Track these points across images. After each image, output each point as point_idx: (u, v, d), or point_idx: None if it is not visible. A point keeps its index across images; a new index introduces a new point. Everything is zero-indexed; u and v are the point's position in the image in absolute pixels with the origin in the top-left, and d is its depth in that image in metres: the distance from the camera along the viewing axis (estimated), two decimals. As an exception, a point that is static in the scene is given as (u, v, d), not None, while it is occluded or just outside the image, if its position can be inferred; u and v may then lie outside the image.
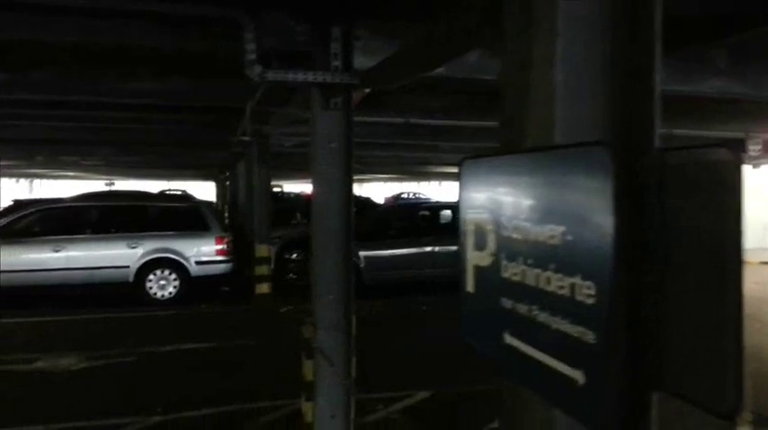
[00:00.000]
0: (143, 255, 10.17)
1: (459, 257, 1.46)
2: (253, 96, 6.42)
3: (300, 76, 3.92)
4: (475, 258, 1.39)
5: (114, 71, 6.09)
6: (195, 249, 10.42)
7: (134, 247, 10.15)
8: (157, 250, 10.25)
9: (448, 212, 12.80)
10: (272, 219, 11.26)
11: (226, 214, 19.05)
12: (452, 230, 11.90)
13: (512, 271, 1.22)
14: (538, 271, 1.12)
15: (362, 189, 32.19)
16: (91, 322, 8.90)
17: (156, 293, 10.26)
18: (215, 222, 10.96)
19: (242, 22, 3.82)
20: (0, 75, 5.89)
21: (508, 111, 1.41)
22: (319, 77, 3.93)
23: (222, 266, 10.57)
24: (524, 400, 1.26)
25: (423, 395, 5.84)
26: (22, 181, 32.17)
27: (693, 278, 0.99)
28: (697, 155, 1.01)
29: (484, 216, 1.34)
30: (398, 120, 8.31)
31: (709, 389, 0.95)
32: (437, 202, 15.07)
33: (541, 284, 1.11)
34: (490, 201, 1.32)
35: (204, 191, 26.86)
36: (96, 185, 25.23)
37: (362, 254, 10.69)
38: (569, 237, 1.03)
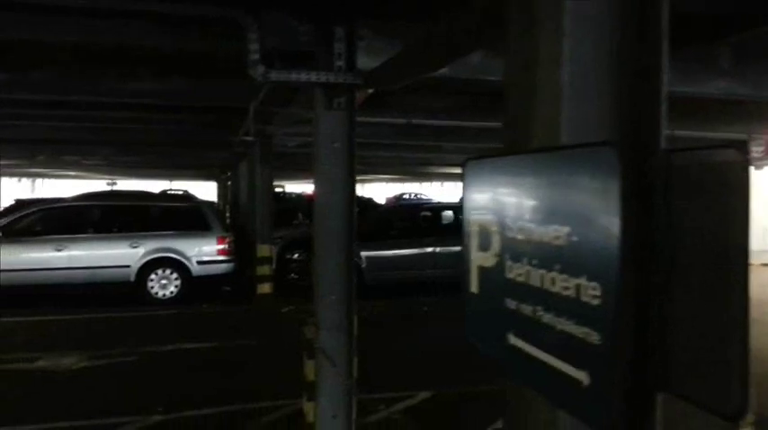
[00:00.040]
0: (144, 255, 10.17)
1: (462, 258, 1.46)
2: (256, 96, 6.42)
3: (303, 76, 3.92)
4: (479, 259, 1.39)
5: (114, 71, 6.10)
6: (197, 249, 10.42)
7: (136, 247, 10.15)
8: (159, 250, 10.26)
9: (449, 213, 12.80)
10: (274, 220, 11.27)
11: (227, 214, 19.05)
12: (454, 231, 11.93)
13: (516, 271, 1.22)
14: (543, 271, 1.12)
15: (364, 189, 32.20)
16: (92, 321, 8.90)
17: (157, 293, 10.26)
18: (216, 222, 10.97)
19: (244, 22, 3.82)
20: (0, 75, 5.89)
21: (512, 111, 1.41)
22: (322, 77, 3.93)
23: (224, 266, 10.58)
24: (528, 401, 1.25)
25: (424, 395, 5.83)
26: (24, 180, 32.24)
27: (699, 279, 0.99)
28: (704, 156, 1.01)
29: (488, 216, 1.34)
30: (401, 120, 8.32)
31: (715, 390, 0.95)
32: (439, 203, 15.06)
33: (546, 285, 1.10)
34: (494, 201, 1.32)
35: (206, 191, 26.89)
36: (98, 185, 25.27)
37: (364, 254, 10.69)
38: (575, 238, 1.03)
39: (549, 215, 1.10)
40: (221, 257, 10.51)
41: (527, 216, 1.18)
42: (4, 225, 10.20)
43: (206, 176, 25.93)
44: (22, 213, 10.59)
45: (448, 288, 9.49)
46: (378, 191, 32.61)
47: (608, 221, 0.95)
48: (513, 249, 1.23)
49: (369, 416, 5.11)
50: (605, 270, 0.95)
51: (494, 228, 1.30)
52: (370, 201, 20.47)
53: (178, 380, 6.33)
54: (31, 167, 21.74)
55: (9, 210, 12.74)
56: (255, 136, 9.00)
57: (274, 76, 3.91)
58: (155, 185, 25.12)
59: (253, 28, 3.83)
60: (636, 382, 1.00)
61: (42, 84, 6.25)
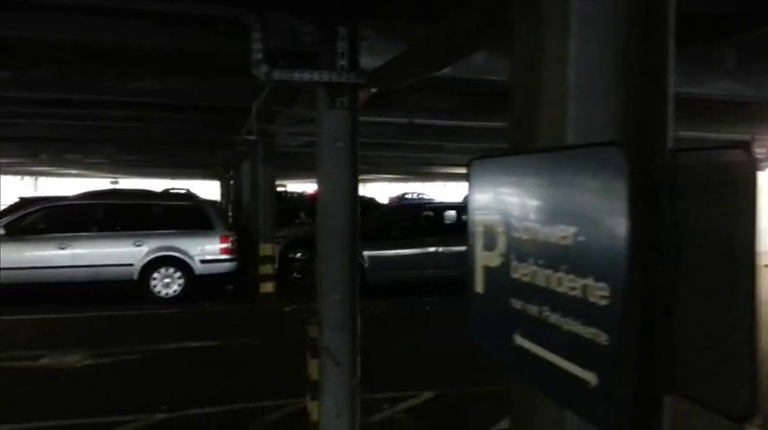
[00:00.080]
0: (148, 253, 10.19)
1: (467, 257, 1.45)
2: (259, 95, 6.43)
3: (306, 76, 3.92)
4: (484, 258, 1.39)
5: (115, 70, 6.11)
6: (200, 248, 10.44)
7: (139, 245, 10.17)
8: (162, 248, 10.28)
9: (452, 213, 12.80)
10: (277, 219, 11.28)
11: (230, 213, 19.07)
12: (456, 231, 11.96)
13: (522, 271, 1.22)
14: (549, 272, 1.12)
15: (366, 189, 32.18)
16: (96, 319, 8.92)
17: (160, 291, 10.28)
18: (219, 221, 10.99)
19: (247, 21, 3.83)
20: (1, 73, 5.90)
21: (518, 111, 1.41)
22: (325, 77, 3.92)
23: (226, 265, 10.59)
24: (535, 401, 1.25)
25: (427, 395, 5.83)
26: (27, 178, 32.29)
27: (705, 280, 0.99)
28: (710, 156, 1.01)
29: (493, 216, 1.34)
30: (404, 120, 8.31)
31: (722, 391, 0.95)
32: (441, 203, 15.06)
33: (553, 285, 1.10)
34: (500, 201, 1.32)
35: (208, 190, 26.90)
36: (100, 184, 25.31)
37: (367, 254, 10.70)
38: (582, 238, 1.03)
39: (555, 215, 1.10)
40: (224, 256, 10.53)
41: (533, 216, 1.17)
42: (8, 223, 10.23)
43: (209, 175, 25.95)
44: (26, 211, 10.62)
45: (450, 288, 9.49)
46: (380, 190, 32.61)
47: (615, 222, 0.95)
48: (519, 249, 1.23)
49: (372, 416, 5.11)
50: (613, 270, 0.95)
51: (499, 228, 1.30)
52: (372, 200, 20.46)
53: (181, 379, 6.34)
54: (33, 166, 21.78)
55: (13, 208, 12.77)
56: (258, 135, 9.02)
57: (277, 75, 3.91)
58: (157, 184, 25.15)
59: (256, 27, 3.83)
60: (643, 383, 1.00)
61: (43, 82, 6.26)
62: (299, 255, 11.68)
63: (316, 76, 3.91)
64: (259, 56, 3.82)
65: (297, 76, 3.92)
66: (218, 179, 25.50)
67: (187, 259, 10.34)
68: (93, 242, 10.11)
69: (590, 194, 1.02)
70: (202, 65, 5.96)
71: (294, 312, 8.77)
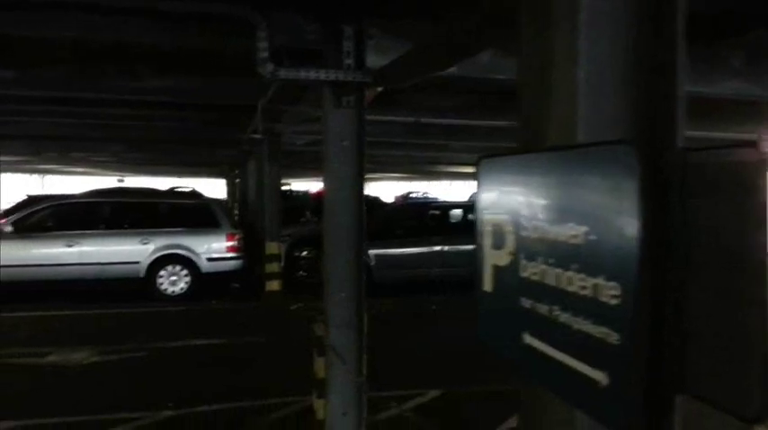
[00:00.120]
0: (154, 251, 10.22)
1: (475, 255, 1.45)
2: (265, 94, 6.43)
3: (312, 75, 3.92)
4: (492, 257, 1.39)
5: (118, 69, 6.11)
6: (206, 246, 10.47)
7: (146, 243, 10.20)
8: (168, 246, 10.30)
9: (458, 212, 12.79)
10: (282, 217, 11.29)
11: (235, 211, 19.11)
12: (462, 230, 11.93)
13: (531, 270, 1.22)
14: (559, 271, 1.12)
15: (370, 188, 32.15)
16: (103, 317, 8.95)
17: (166, 289, 10.31)
18: (225, 219, 11.02)
19: (254, 20, 3.83)
20: (5, 72, 5.92)
21: (526, 111, 1.41)
22: (331, 76, 3.93)
23: (233, 263, 10.62)
24: (544, 401, 1.25)
25: (434, 394, 5.83)
26: (34, 176, 32.44)
27: (715, 278, 0.99)
28: (720, 155, 1.00)
29: (502, 214, 1.33)
30: (410, 119, 8.30)
31: (734, 391, 0.94)
32: (447, 202, 15.05)
33: (563, 284, 1.10)
34: (509, 199, 1.31)
35: (214, 188, 26.96)
36: (107, 182, 25.40)
37: (372, 252, 10.70)
38: (592, 237, 1.03)
39: (565, 214, 1.10)
40: (230, 254, 10.56)
41: (543, 214, 1.17)
42: (16, 220, 10.28)
43: (214, 174, 26.01)
44: (34, 209, 10.67)
45: (456, 286, 9.49)
46: (384, 189, 32.58)
47: (626, 220, 0.95)
48: (528, 248, 1.23)
49: (379, 414, 5.11)
50: (624, 270, 0.95)
51: (508, 227, 1.30)
52: (376, 199, 20.46)
53: (188, 376, 6.36)
54: (40, 164, 21.88)
55: (20, 206, 12.83)
56: (264, 134, 9.01)
57: (283, 74, 3.92)
58: (163, 183, 25.22)
59: (261, 26, 3.83)
60: (654, 382, 0.99)
61: (44, 81, 6.27)
62: (304, 253, 11.71)
63: (322, 75, 3.92)
64: (265, 54, 3.83)
65: (303, 74, 3.93)
66: (223, 177, 25.56)
67: (193, 257, 10.37)
68: (101, 240, 10.15)
69: (600, 193, 1.02)
70: (209, 63, 5.96)
71: (300, 310, 8.78)
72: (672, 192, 1.03)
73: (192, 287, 10.35)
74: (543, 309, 1.17)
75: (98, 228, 10.30)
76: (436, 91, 6.64)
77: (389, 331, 7.27)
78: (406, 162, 19.35)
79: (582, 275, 1.05)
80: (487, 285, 1.42)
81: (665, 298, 1.02)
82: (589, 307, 1.03)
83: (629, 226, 0.95)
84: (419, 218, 12.72)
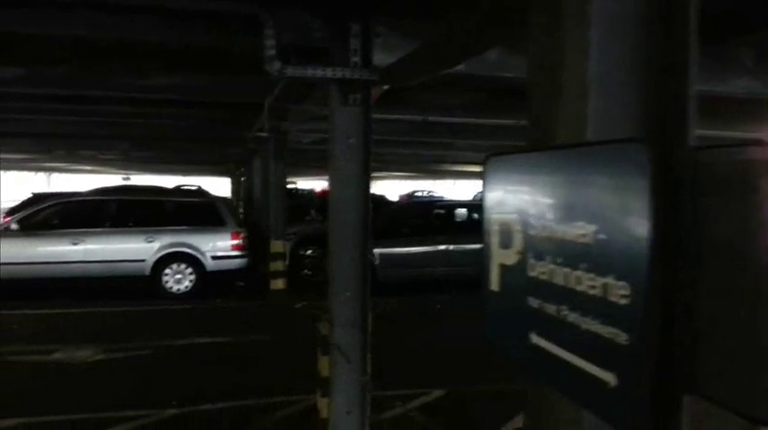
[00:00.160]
0: (160, 249, 10.24)
1: (483, 254, 1.44)
2: (271, 92, 6.43)
3: (319, 72, 3.92)
4: (500, 256, 1.37)
5: (126, 66, 6.12)
6: (211, 244, 10.49)
7: (151, 241, 10.23)
8: (174, 244, 10.32)
9: (463, 211, 12.77)
10: (287, 216, 11.30)
11: (241, 210, 19.13)
12: (467, 229, 11.88)
13: (539, 269, 1.20)
14: (567, 270, 1.10)
15: (375, 186, 32.11)
16: (108, 315, 8.97)
17: (171, 287, 10.33)
18: (230, 218, 11.03)
19: (261, 17, 3.83)
20: (12, 69, 5.94)
21: (536, 109, 1.40)
22: (338, 73, 3.92)
23: (238, 261, 10.63)
24: (551, 401, 1.24)
25: (438, 393, 5.82)
26: (40, 174, 32.57)
27: (726, 278, 0.97)
28: (731, 153, 0.99)
29: (510, 212, 1.32)
30: (417, 117, 8.29)
31: (746, 392, 0.93)
32: (452, 201, 15.03)
33: (571, 284, 1.09)
34: (517, 198, 1.30)
35: (219, 186, 27.00)
36: (112, 180, 25.47)
37: (377, 251, 10.69)
38: (602, 236, 1.01)
39: (574, 212, 1.09)
40: (235, 253, 10.57)
41: (551, 213, 1.16)
42: (21, 218, 10.32)
43: (220, 172, 26.05)
44: (39, 207, 10.70)
45: (461, 286, 9.47)
46: (389, 188, 32.58)
47: (637, 219, 0.94)
48: (536, 247, 1.22)
49: (383, 413, 5.11)
50: (634, 269, 0.94)
51: (516, 225, 1.29)
52: (382, 198, 20.46)
53: (192, 375, 6.37)
54: (46, 161, 21.97)
55: (26, 204, 12.89)
56: (270, 132, 9.02)
57: (290, 71, 3.91)
58: (168, 181, 25.27)
59: (269, 24, 3.83)
60: (663, 383, 0.98)
61: (53, 79, 6.28)
62: (309, 252, 11.71)
63: (328, 73, 3.91)
64: (272, 52, 3.82)
65: (309, 72, 3.92)
66: (229, 176, 25.59)
67: (198, 255, 10.38)
68: (106, 238, 10.18)
69: (611, 191, 1.01)
70: (215, 61, 5.97)
71: (304, 309, 8.78)
72: (683, 191, 1.02)
73: (196, 285, 10.37)
74: (551, 308, 1.16)
75: (103, 226, 10.33)
76: (444, 89, 6.63)
77: (394, 330, 7.26)
78: (413, 161, 19.34)
79: (591, 275, 1.03)
80: (494, 284, 1.41)
81: (676, 297, 1.01)
82: (598, 307, 1.02)
83: (640, 225, 0.93)
84: (424, 217, 12.71)
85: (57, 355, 6.82)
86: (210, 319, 9.04)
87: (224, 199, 13.80)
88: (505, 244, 1.34)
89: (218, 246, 10.51)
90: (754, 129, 7.56)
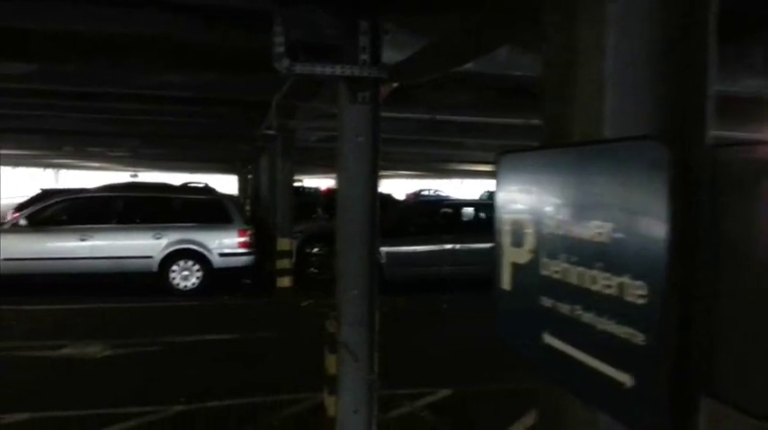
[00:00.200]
0: (167, 246, 10.27)
1: (494, 253, 1.43)
2: (279, 90, 6.43)
3: (328, 70, 3.90)
4: (512, 255, 1.36)
5: (137, 63, 6.13)
6: (218, 241, 10.51)
7: (158, 238, 10.26)
8: (181, 241, 10.35)
9: (470, 210, 12.74)
10: (294, 214, 11.30)
11: (248, 207, 19.16)
12: (474, 228, 11.84)
13: (553, 268, 1.19)
14: (582, 269, 1.09)
15: (382, 185, 32.03)
16: (116, 311, 9.01)
17: (179, 284, 10.36)
18: (238, 215, 11.04)
19: (270, 14, 3.82)
20: (24, 66, 5.95)
21: (550, 106, 1.38)
22: (347, 71, 3.91)
23: (244, 259, 10.65)
24: (565, 401, 1.23)
25: (445, 392, 5.81)
26: (48, 170, 32.74)
27: (744, 278, 0.96)
28: (749, 152, 0.98)
29: (523, 211, 1.31)
30: (425, 116, 8.26)
31: (763, 395, 0.92)
32: (459, 200, 15.00)
33: (586, 283, 1.08)
34: (530, 195, 1.29)
35: (226, 184, 27.04)
36: (121, 177, 25.56)
37: (384, 250, 10.67)
38: (618, 235, 1.00)
39: (590, 211, 1.07)
40: (242, 250, 10.59)
41: (566, 211, 1.15)
42: (30, 214, 10.36)
43: (227, 170, 26.08)
44: (47, 203, 10.75)
45: (467, 285, 9.45)
46: (396, 187, 32.55)
47: (655, 218, 0.92)
48: (550, 245, 1.20)
49: (390, 412, 5.10)
50: (651, 268, 0.92)
51: (528, 223, 1.28)
52: (389, 196, 20.44)
53: (200, 371, 6.38)
54: (55, 158, 22.07)
55: (34, 200, 12.95)
56: (278, 130, 9.02)
57: (299, 68, 3.90)
58: (176, 178, 25.33)
59: (278, 21, 3.82)
60: (680, 384, 0.97)
61: (61, 76, 6.30)
62: (315, 249, 11.73)
63: (337, 70, 3.90)
64: (281, 49, 3.81)
65: (318, 69, 3.91)
66: (236, 174, 25.63)
67: (205, 252, 10.41)
68: (114, 234, 10.21)
69: (627, 190, 0.99)
70: (224, 58, 5.97)
71: (311, 307, 8.79)
72: (701, 190, 1.01)
73: (203, 282, 10.40)
74: (565, 308, 1.15)
75: (111, 223, 10.36)
76: (453, 87, 6.60)
77: (401, 329, 7.25)
78: (421, 159, 19.30)
79: (606, 274, 1.02)
80: (506, 283, 1.39)
81: (694, 297, 0.99)
82: (614, 306, 1.00)
83: (657, 224, 0.92)
84: (431, 215, 12.68)
85: (65, 351, 6.85)
86: (217, 316, 9.06)
87: (231, 196, 13.82)
88: (517, 242, 1.33)
89: (225, 244, 10.53)
90: (766, 129, 7.50)
